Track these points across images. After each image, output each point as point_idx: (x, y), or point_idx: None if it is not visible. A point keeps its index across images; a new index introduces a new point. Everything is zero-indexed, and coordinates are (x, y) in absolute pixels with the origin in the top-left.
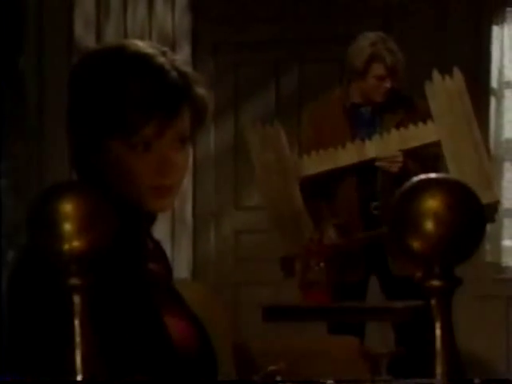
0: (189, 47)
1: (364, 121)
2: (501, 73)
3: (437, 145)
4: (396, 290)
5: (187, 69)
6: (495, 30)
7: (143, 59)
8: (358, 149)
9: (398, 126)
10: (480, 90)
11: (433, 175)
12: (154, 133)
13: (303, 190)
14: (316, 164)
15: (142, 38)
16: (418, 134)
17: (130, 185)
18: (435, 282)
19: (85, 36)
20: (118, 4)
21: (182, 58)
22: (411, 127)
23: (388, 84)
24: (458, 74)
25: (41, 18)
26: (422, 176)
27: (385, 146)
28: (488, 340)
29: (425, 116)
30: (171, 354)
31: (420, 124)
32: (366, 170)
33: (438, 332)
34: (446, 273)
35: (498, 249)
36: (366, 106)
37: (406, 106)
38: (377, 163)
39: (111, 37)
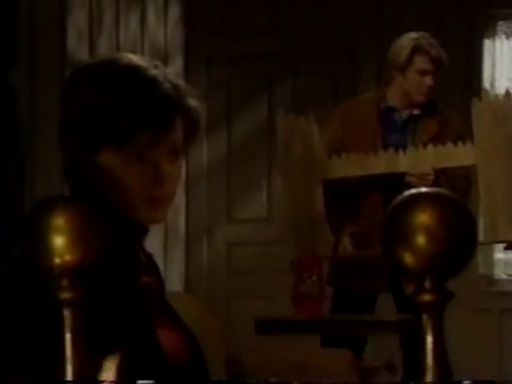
0: (181, 60)
1: (397, 127)
2: (492, 86)
3: (469, 167)
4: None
5: (180, 81)
6: (487, 43)
7: (136, 70)
8: (390, 159)
9: (432, 140)
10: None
11: (424, 189)
12: (147, 142)
13: (326, 193)
14: (344, 167)
15: (134, 50)
16: (456, 155)
17: (123, 196)
18: (427, 297)
19: (77, 49)
20: (110, 17)
21: (174, 70)
22: (449, 145)
23: (430, 81)
24: (509, 95)
25: (33, 30)
26: (414, 190)
27: (418, 162)
28: (480, 353)
29: (458, 132)
30: (163, 367)
31: (459, 144)
32: (393, 180)
33: (429, 346)
34: (437, 287)
35: (490, 261)
36: (402, 111)
37: (440, 118)
38: (407, 178)
39: (104, 50)
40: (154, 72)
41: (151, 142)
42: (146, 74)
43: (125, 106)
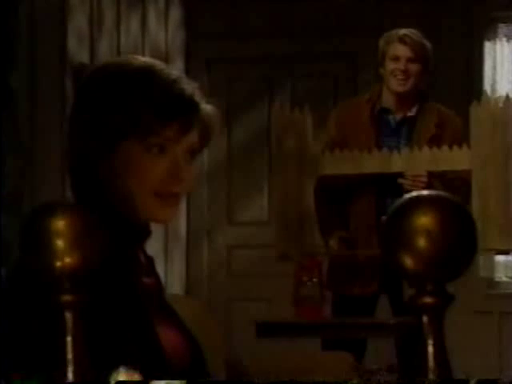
0: (182, 63)
1: (390, 129)
2: (493, 88)
3: (467, 172)
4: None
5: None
6: (487, 45)
7: (160, 67)
8: (383, 159)
9: (429, 144)
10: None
11: (425, 192)
12: (171, 136)
13: (316, 191)
14: (337, 164)
15: (135, 53)
16: (451, 158)
17: (138, 190)
18: (427, 299)
19: (78, 52)
20: (111, 20)
21: None
22: (444, 148)
23: (402, 66)
24: (508, 100)
25: (33, 34)
26: (414, 193)
27: (413, 163)
28: (481, 355)
29: (456, 134)
30: (164, 367)
31: (455, 147)
32: (386, 182)
33: (430, 349)
34: (438, 290)
35: (491, 264)
36: (396, 113)
37: (438, 119)
38: (399, 180)
39: (104, 53)
40: (176, 72)
41: (175, 136)
42: (170, 71)
43: (153, 97)
